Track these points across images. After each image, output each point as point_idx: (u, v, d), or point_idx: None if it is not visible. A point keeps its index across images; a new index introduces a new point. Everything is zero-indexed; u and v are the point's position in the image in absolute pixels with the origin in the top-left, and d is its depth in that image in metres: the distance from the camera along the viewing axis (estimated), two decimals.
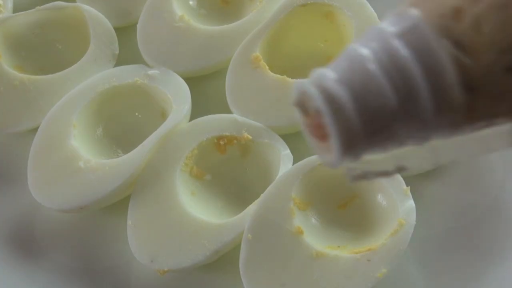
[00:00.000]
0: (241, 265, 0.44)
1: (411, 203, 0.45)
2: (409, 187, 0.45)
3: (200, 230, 0.46)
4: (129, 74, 0.55)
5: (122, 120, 0.55)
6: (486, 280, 0.46)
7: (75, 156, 0.50)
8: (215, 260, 0.47)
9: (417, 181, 0.50)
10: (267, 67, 0.53)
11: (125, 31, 0.60)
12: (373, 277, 0.42)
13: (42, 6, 0.59)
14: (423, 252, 0.48)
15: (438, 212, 0.49)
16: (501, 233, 0.48)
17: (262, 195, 0.46)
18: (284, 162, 0.49)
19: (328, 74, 0.21)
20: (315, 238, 0.45)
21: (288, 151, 0.50)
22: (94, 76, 0.55)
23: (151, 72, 0.55)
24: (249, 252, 0.44)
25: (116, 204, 0.51)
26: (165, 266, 0.46)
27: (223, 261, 0.47)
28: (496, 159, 0.51)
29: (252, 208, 0.46)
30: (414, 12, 0.20)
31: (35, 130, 0.53)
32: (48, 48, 0.60)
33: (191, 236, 0.46)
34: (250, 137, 0.51)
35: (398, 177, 0.46)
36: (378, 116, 0.20)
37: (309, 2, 0.55)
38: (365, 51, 0.20)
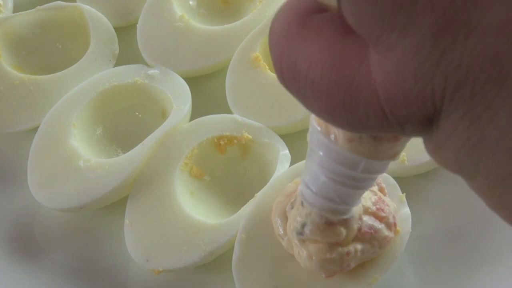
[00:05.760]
0: (234, 265, 0.44)
1: (406, 210, 0.44)
2: (404, 193, 0.45)
3: (196, 231, 0.46)
4: (129, 74, 0.55)
5: (122, 120, 0.55)
6: (483, 282, 0.45)
7: (75, 155, 0.50)
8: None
9: (414, 182, 0.50)
10: (267, 67, 0.53)
11: (125, 31, 0.61)
12: (366, 283, 0.41)
13: (42, 6, 0.59)
14: (419, 253, 0.47)
15: (434, 213, 0.49)
16: (498, 235, 0.47)
17: (256, 195, 0.46)
18: (281, 162, 0.49)
19: (306, 192, 0.37)
20: None
21: (287, 151, 0.50)
22: (94, 76, 0.55)
23: (151, 72, 0.55)
24: (242, 252, 0.44)
25: (115, 204, 0.51)
26: (160, 266, 0.46)
27: (219, 261, 0.47)
28: None
29: (246, 208, 0.46)
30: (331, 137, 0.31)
31: (35, 130, 0.53)
32: (48, 48, 0.60)
33: (187, 237, 0.46)
34: (250, 137, 0.51)
35: (394, 184, 0.45)
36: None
37: None
38: (318, 170, 0.34)
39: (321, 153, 0.32)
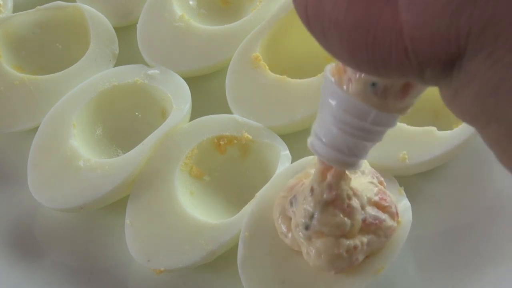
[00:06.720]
0: (239, 263, 0.44)
1: (406, 202, 0.45)
2: (402, 187, 0.46)
3: (197, 231, 0.46)
4: (129, 74, 0.55)
5: (122, 120, 0.55)
6: (483, 281, 0.45)
7: (75, 155, 0.50)
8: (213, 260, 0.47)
9: (415, 181, 0.50)
10: (267, 67, 0.53)
11: (125, 31, 0.61)
12: (371, 273, 0.42)
13: (42, 6, 0.59)
14: (421, 250, 0.48)
15: (435, 213, 0.49)
16: (497, 232, 0.47)
17: (257, 194, 0.46)
18: (282, 162, 0.49)
19: (316, 143, 0.36)
20: None
21: (287, 151, 0.50)
22: (94, 76, 0.55)
23: (151, 72, 0.55)
24: (247, 250, 0.44)
25: (116, 204, 0.51)
26: (161, 266, 0.46)
27: (221, 260, 0.47)
28: (494, 160, 0.51)
29: (248, 207, 0.46)
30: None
31: (35, 130, 0.53)
32: (48, 48, 0.60)
33: (188, 236, 0.46)
34: (250, 137, 0.51)
35: (392, 179, 0.46)
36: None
37: None
38: (330, 121, 0.34)
39: (333, 103, 0.33)
